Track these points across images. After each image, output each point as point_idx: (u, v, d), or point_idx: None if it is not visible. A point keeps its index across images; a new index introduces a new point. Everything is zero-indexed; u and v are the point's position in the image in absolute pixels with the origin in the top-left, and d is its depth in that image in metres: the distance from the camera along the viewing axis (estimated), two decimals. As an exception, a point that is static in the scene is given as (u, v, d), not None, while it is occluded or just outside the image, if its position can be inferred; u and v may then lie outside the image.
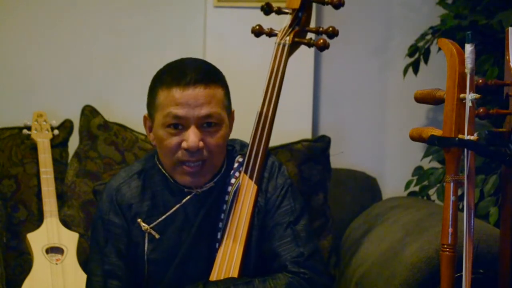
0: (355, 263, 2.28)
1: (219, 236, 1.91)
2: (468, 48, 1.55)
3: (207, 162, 1.85)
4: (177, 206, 1.91)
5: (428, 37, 2.62)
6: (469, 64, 1.55)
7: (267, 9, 2.13)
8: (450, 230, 1.56)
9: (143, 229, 1.91)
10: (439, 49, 1.75)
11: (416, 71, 2.63)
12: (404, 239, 2.07)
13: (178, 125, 1.82)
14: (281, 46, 2.06)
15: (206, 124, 1.83)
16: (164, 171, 1.92)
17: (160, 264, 1.91)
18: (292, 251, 1.89)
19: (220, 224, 1.92)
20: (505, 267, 1.75)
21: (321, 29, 2.10)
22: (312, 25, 2.49)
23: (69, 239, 2.27)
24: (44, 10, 2.79)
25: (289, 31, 2.09)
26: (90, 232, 2.09)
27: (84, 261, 2.30)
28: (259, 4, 2.67)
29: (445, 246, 1.57)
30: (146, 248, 1.91)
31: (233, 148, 2.00)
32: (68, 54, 2.79)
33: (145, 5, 2.81)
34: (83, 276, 2.19)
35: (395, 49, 2.83)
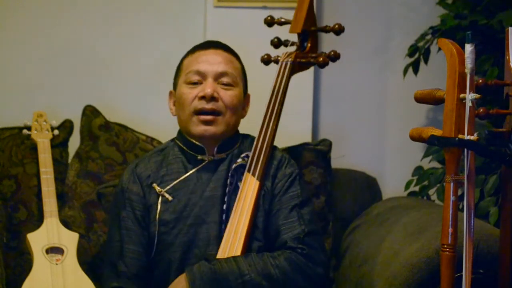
0: (355, 264, 2.28)
1: (224, 218, 2.03)
2: (468, 48, 1.55)
3: (221, 115, 2.05)
4: (191, 172, 2.07)
5: (428, 37, 2.62)
6: (469, 64, 1.55)
7: (276, 44, 2.32)
8: (450, 230, 1.56)
9: (157, 191, 2.05)
10: (439, 49, 1.75)
11: (416, 71, 2.63)
12: (404, 239, 2.07)
13: (198, 82, 2.06)
14: (283, 63, 2.22)
15: (222, 83, 2.06)
16: (181, 145, 2.10)
17: (170, 224, 2.03)
18: (294, 229, 2.00)
19: (224, 204, 2.04)
20: (505, 267, 1.75)
21: (323, 53, 2.24)
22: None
23: (69, 240, 2.27)
24: (44, 10, 2.78)
25: (293, 53, 2.24)
26: (110, 205, 2.24)
27: (84, 261, 2.30)
28: (259, 4, 2.70)
29: (445, 246, 1.57)
30: (158, 209, 2.04)
31: (248, 137, 2.15)
32: (69, 54, 2.79)
33: (145, 5, 2.81)
34: (83, 276, 2.19)
35: (395, 49, 2.83)
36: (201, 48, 2.12)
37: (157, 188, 2.06)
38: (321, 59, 2.20)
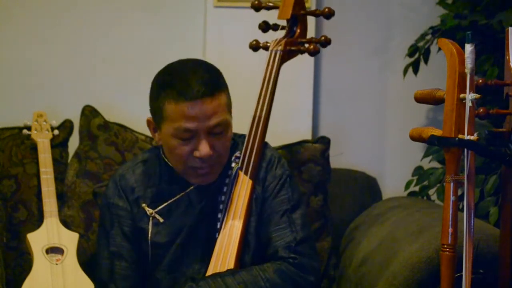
0: (355, 263, 2.28)
1: (218, 225, 1.98)
2: (468, 48, 1.55)
3: (216, 163, 1.94)
4: (182, 194, 1.99)
5: (428, 37, 2.62)
6: (469, 64, 1.55)
7: (264, 27, 2.24)
8: (450, 230, 1.56)
9: (148, 213, 1.99)
10: (439, 49, 1.75)
11: (416, 71, 2.63)
12: (404, 239, 2.07)
13: (188, 137, 1.88)
14: (273, 52, 2.15)
15: (215, 133, 1.90)
16: (170, 164, 2.00)
17: (163, 247, 1.99)
18: (286, 237, 1.96)
19: (219, 212, 1.99)
20: (505, 267, 1.75)
21: (313, 39, 2.18)
22: (312, 27, 2.49)
23: (69, 240, 2.27)
24: (44, 10, 2.79)
25: (282, 41, 2.17)
26: (98, 219, 2.17)
27: (84, 261, 2.30)
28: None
29: (445, 246, 1.56)
30: (150, 232, 1.99)
31: (234, 142, 2.06)
32: (68, 54, 2.79)
33: (145, 5, 2.81)
34: (83, 276, 2.19)
35: (395, 49, 2.83)
36: (185, 98, 1.85)
37: (148, 210, 1.99)
38: (312, 47, 2.15)
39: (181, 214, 1.99)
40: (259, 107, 2.09)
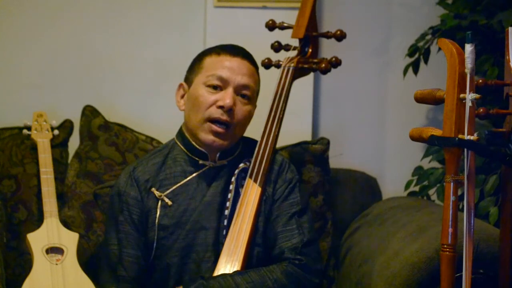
0: (355, 263, 2.28)
1: (225, 221, 2.02)
2: (468, 48, 1.55)
3: (231, 128, 2.02)
4: (191, 177, 2.05)
5: (428, 37, 2.62)
6: (469, 64, 1.55)
7: (277, 47, 2.32)
8: (450, 230, 1.56)
9: (157, 196, 2.03)
10: (439, 49, 1.75)
11: (416, 71, 2.63)
12: (404, 239, 2.07)
13: (218, 87, 2.01)
14: (286, 69, 2.22)
15: (241, 95, 2.03)
16: (182, 147, 2.07)
17: (169, 229, 2.02)
18: (293, 239, 2.00)
19: (226, 209, 2.03)
20: (505, 267, 1.75)
21: (325, 59, 2.25)
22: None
23: (69, 239, 2.27)
24: (44, 10, 2.78)
25: (295, 58, 2.24)
26: (107, 210, 2.21)
27: (85, 261, 2.30)
28: (259, 4, 2.70)
29: (445, 246, 1.57)
30: (158, 214, 2.03)
31: (248, 140, 2.13)
32: (68, 54, 2.79)
33: (145, 5, 2.81)
34: (83, 276, 2.19)
35: (395, 49, 2.83)
36: (228, 53, 2.05)
37: (157, 193, 2.04)
38: (323, 65, 2.22)
39: (188, 197, 2.03)
40: (269, 122, 2.13)
